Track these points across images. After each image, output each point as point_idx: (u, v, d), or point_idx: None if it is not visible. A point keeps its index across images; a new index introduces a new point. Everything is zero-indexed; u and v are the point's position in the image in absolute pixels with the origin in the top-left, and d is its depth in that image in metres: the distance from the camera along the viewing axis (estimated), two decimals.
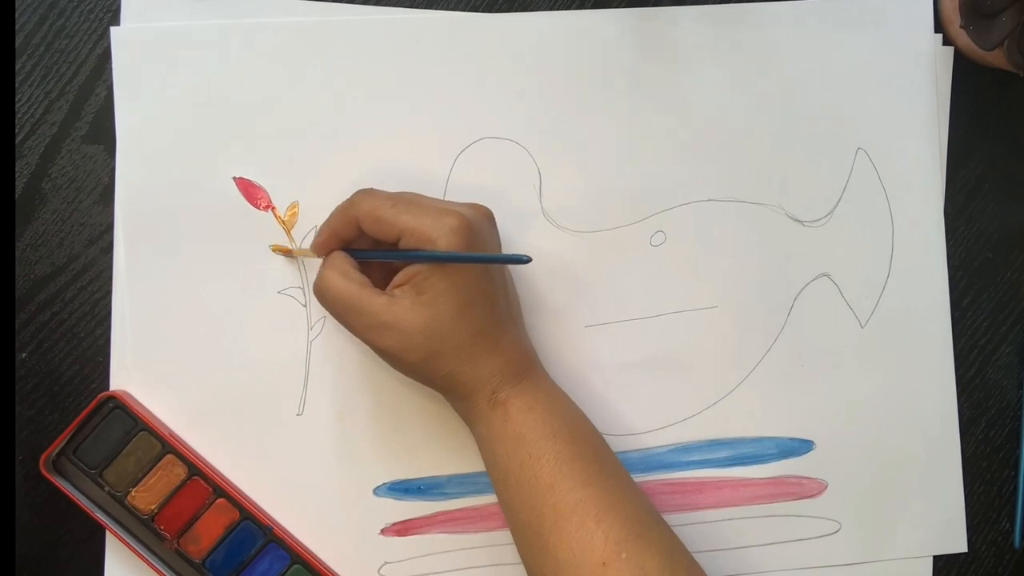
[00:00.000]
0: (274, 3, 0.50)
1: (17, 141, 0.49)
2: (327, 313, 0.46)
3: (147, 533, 0.48)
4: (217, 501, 0.48)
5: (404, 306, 0.43)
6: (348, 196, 0.46)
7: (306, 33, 0.50)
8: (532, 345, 0.48)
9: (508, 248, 0.49)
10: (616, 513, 0.42)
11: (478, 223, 0.44)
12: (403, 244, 0.44)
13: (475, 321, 0.44)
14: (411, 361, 0.44)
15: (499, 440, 0.44)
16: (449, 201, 0.46)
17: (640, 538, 0.42)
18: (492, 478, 0.46)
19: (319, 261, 0.47)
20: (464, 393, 0.45)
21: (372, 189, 0.46)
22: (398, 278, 0.44)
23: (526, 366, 0.46)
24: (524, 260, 0.41)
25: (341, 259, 0.46)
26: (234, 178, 0.50)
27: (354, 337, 0.45)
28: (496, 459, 0.45)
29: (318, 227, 0.48)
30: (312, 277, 0.50)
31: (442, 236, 0.42)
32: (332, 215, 0.46)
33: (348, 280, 0.44)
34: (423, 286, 0.43)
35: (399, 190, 0.46)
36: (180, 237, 0.49)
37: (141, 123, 0.49)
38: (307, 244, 0.50)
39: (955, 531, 0.53)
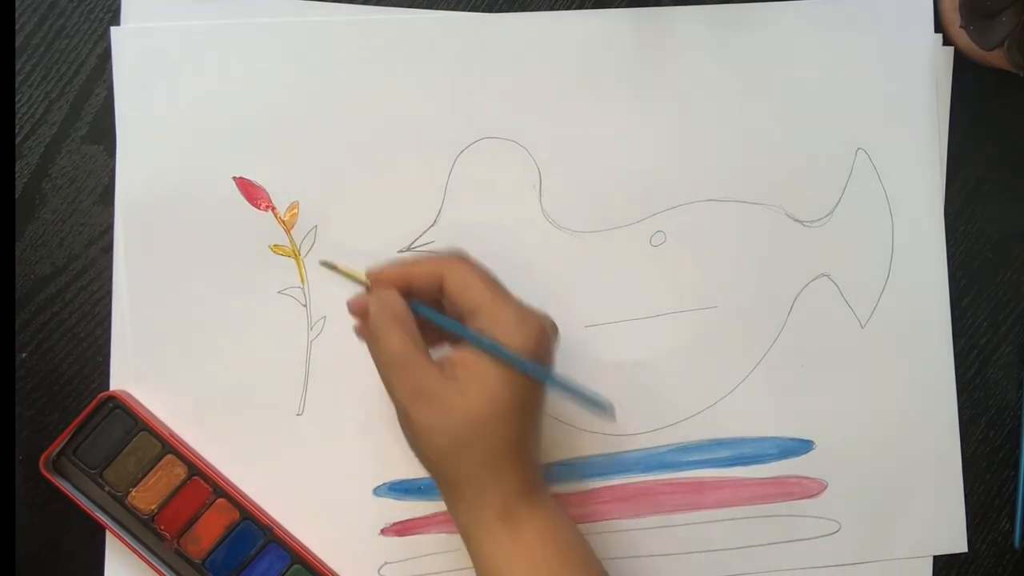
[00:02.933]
0: (274, 3, 0.50)
1: (17, 141, 0.49)
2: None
3: (147, 533, 0.48)
4: (217, 501, 0.48)
5: (457, 387, 0.40)
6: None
7: (306, 33, 0.50)
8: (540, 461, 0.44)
9: (505, 250, 0.49)
10: None
11: (551, 339, 0.42)
12: (474, 325, 0.41)
13: (514, 429, 0.41)
14: (438, 445, 0.41)
15: (508, 560, 0.41)
16: (528, 306, 0.42)
17: None
18: None
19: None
20: (472, 498, 0.41)
21: (466, 255, 0.43)
22: (456, 355, 0.41)
23: (539, 484, 0.43)
24: (606, 409, 0.40)
25: (400, 306, 0.41)
26: (234, 178, 0.50)
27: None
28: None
29: (318, 232, 0.48)
30: (314, 279, 0.50)
31: (518, 340, 0.40)
32: (415, 259, 0.44)
33: (406, 334, 0.41)
34: (483, 375, 0.40)
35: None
36: (180, 237, 0.49)
37: (141, 123, 0.49)
38: (307, 244, 0.50)
39: (955, 531, 0.53)
